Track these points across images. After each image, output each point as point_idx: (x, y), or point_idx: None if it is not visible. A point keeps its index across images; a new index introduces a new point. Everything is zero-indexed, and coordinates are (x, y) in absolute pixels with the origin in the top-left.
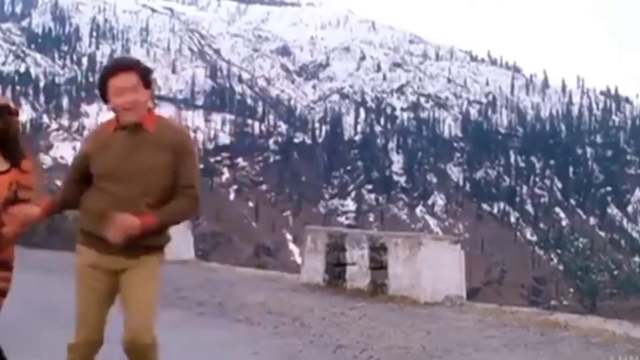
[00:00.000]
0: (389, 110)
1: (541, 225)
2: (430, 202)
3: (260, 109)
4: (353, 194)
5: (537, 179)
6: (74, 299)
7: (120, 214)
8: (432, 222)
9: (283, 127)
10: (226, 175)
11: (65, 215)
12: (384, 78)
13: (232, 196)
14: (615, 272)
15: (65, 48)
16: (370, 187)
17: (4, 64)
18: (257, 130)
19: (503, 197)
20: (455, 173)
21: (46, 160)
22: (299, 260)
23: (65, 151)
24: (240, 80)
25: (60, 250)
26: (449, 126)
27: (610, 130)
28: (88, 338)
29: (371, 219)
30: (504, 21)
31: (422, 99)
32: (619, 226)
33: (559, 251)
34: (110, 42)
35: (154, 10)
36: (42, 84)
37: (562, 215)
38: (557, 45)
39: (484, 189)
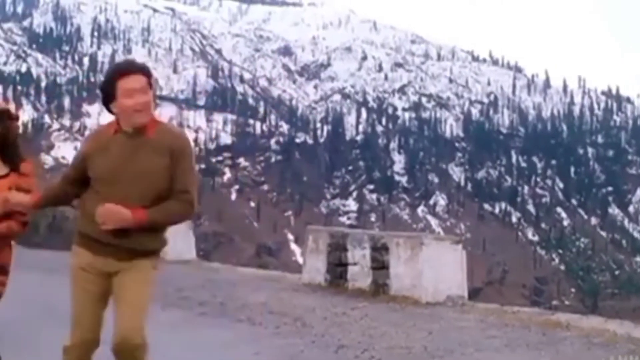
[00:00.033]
0: (390, 110)
1: (543, 225)
2: (431, 202)
3: (261, 109)
4: (355, 194)
5: (538, 179)
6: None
7: (112, 204)
8: (433, 222)
9: (285, 127)
10: (228, 175)
11: (66, 215)
12: (386, 78)
13: (233, 196)
14: (617, 272)
15: (66, 48)
16: (371, 187)
17: (5, 64)
18: (258, 130)
19: (504, 197)
20: (456, 173)
21: (47, 160)
22: (300, 260)
23: (66, 151)
24: (241, 80)
25: (62, 250)
26: (451, 126)
27: (611, 130)
28: (83, 339)
29: (373, 219)
30: (505, 21)
31: (424, 99)
32: (620, 226)
33: (560, 251)
34: (111, 42)
35: (155, 10)
36: (43, 84)
37: (563, 215)
38: (558, 46)
39: (485, 189)
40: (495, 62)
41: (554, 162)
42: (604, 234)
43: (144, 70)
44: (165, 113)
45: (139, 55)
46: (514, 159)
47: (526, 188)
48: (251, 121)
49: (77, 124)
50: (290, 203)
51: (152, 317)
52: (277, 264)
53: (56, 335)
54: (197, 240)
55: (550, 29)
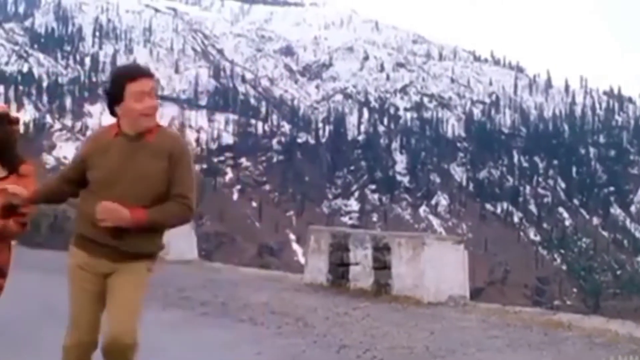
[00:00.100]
0: (392, 110)
1: (544, 225)
2: (433, 202)
3: (263, 109)
4: (356, 194)
5: (540, 179)
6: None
7: (110, 202)
8: (435, 222)
9: (286, 127)
10: (229, 175)
11: (68, 215)
12: (387, 78)
13: (235, 196)
14: (618, 272)
15: (68, 48)
16: (373, 187)
17: (7, 64)
18: (260, 130)
19: (506, 197)
20: (458, 173)
21: (49, 160)
22: (302, 260)
23: (68, 151)
24: (243, 80)
25: (63, 250)
26: (452, 126)
27: (613, 130)
28: (81, 341)
29: (374, 219)
30: (507, 21)
31: (426, 99)
32: (622, 226)
33: (562, 251)
34: (113, 42)
35: (157, 10)
36: (45, 84)
37: (565, 215)
38: (560, 46)
39: (487, 189)
40: (497, 62)
41: (555, 162)
42: (605, 234)
43: (151, 75)
44: (167, 113)
45: (140, 55)
46: (515, 159)
47: (528, 188)
48: (253, 121)
49: (78, 124)
50: (292, 203)
51: (153, 317)
52: (278, 264)
53: (56, 335)
54: (199, 240)
55: (552, 29)
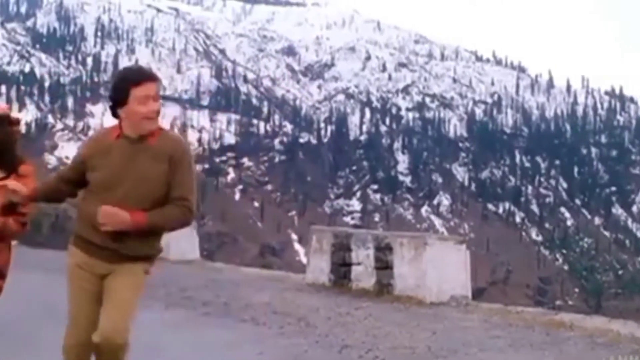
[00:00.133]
0: (394, 110)
1: (546, 225)
2: (435, 202)
3: (265, 109)
4: (358, 194)
5: (542, 179)
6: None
7: (111, 207)
8: (437, 222)
9: (288, 127)
10: (231, 175)
11: (69, 215)
12: (390, 78)
13: (237, 196)
14: (620, 272)
15: (70, 48)
16: (375, 187)
17: (8, 64)
18: (262, 130)
19: (508, 197)
20: (460, 173)
21: (51, 160)
22: (304, 260)
23: (70, 151)
24: (245, 80)
25: (64, 250)
26: (454, 126)
27: (615, 130)
28: (80, 338)
29: (376, 219)
30: (509, 21)
31: (428, 99)
32: (624, 226)
33: (564, 251)
34: (115, 42)
35: (159, 10)
36: (47, 84)
37: (567, 215)
38: (562, 46)
39: (489, 189)
40: (498, 62)
41: (557, 162)
42: (607, 234)
43: (155, 78)
44: (169, 113)
45: (142, 55)
46: (517, 159)
47: (530, 188)
48: (255, 121)
49: (80, 124)
50: (294, 203)
51: (155, 316)
52: (280, 264)
53: (57, 335)
54: (201, 240)
55: (553, 29)
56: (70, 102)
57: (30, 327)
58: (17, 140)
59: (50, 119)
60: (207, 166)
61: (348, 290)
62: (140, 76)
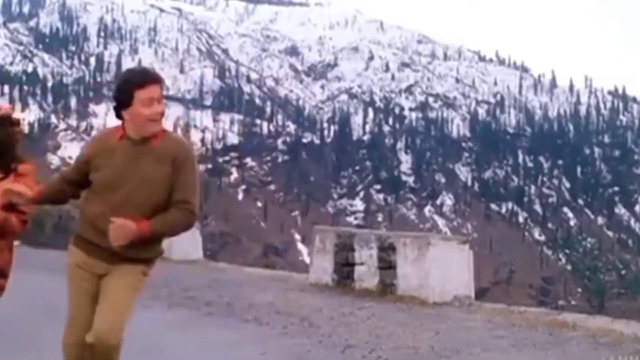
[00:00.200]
0: (397, 110)
1: (549, 225)
2: (438, 202)
3: (268, 109)
4: (361, 194)
5: (545, 179)
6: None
7: (120, 219)
8: (440, 222)
9: (291, 127)
10: (235, 175)
11: (72, 215)
12: (393, 78)
13: (240, 196)
14: (623, 272)
15: (73, 48)
16: (378, 187)
17: (11, 63)
18: (265, 130)
19: (511, 197)
20: (463, 173)
21: (54, 160)
22: (307, 260)
23: (73, 151)
24: (248, 80)
25: (67, 250)
26: (457, 126)
27: (617, 130)
28: (79, 338)
29: (380, 218)
30: (512, 21)
31: (431, 99)
32: (627, 226)
33: (567, 251)
34: (118, 42)
35: (162, 10)
36: (50, 84)
37: (570, 215)
38: (564, 45)
39: (492, 189)
40: (501, 62)
41: (560, 162)
42: (610, 233)
43: (159, 80)
44: (172, 113)
45: (145, 55)
46: (520, 159)
47: (533, 188)
48: (258, 121)
49: (83, 124)
50: (297, 203)
51: (158, 316)
52: (284, 264)
53: (58, 335)
54: (204, 240)
55: (556, 28)
56: (73, 102)
57: (31, 327)
58: (19, 140)
59: (53, 119)
60: (210, 166)
61: (351, 290)
62: (144, 78)
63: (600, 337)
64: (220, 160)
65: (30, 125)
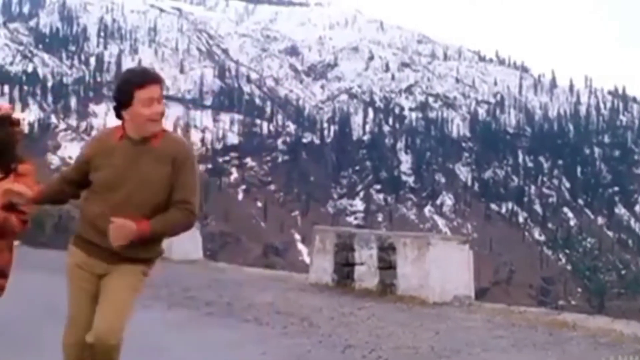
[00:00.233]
0: (397, 110)
1: (549, 225)
2: (438, 202)
3: (268, 109)
4: (361, 194)
5: (545, 179)
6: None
7: (120, 219)
8: (440, 222)
9: (291, 127)
10: (235, 175)
11: (72, 215)
12: (393, 78)
13: (240, 196)
14: (623, 272)
15: (73, 48)
16: (378, 187)
17: (11, 63)
18: (265, 130)
19: (511, 197)
20: (463, 173)
21: (54, 160)
22: (307, 260)
23: (73, 151)
24: (248, 80)
25: (67, 250)
26: (457, 126)
27: (617, 130)
28: (79, 338)
29: (380, 219)
30: (512, 21)
31: (431, 99)
32: (627, 226)
33: (567, 251)
34: (118, 42)
35: (162, 10)
36: (50, 84)
37: (570, 215)
38: (564, 45)
39: (492, 189)
40: (501, 62)
41: (560, 162)
42: (610, 233)
43: (159, 80)
44: (172, 113)
45: (145, 55)
46: (520, 159)
47: (533, 188)
48: (258, 121)
49: (83, 124)
50: (297, 203)
51: (158, 316)
52: (284, 264)
53: (58, 335)
54: (204, 240)
55: (556, 28)
56: (73, 102)
57: (31, 327)
58: (19, 140)
59: (53, 119)
60: (210, 166)
61: (351, 290)
62: (144, 78)
63: (600, 337)
64: (220, 160)
65: (30, 125)
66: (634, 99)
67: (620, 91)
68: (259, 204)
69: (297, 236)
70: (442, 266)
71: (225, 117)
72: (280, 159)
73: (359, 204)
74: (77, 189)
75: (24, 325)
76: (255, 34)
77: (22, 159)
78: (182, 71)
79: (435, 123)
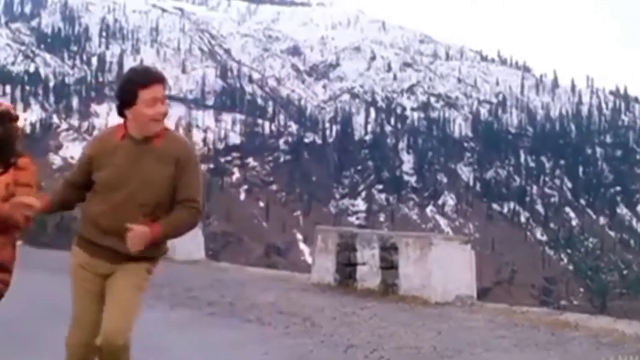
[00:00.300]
0: (399, 110)
1: (551, 225)
2: (440, 202)
3: (270, 109)
4: (363, 193)
5: (547, 179)
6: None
7: (137, 226)
8: (442, 222)
9: (293, 127)
10: (236, 175)
11: (74, 215)
12: (394, 78)
13: (242, 196)
14: (625, 272)
15: (74, 48)
16: (380, 187)
17: (13, 63)
18: (267, 130)
19: (513, 197)
20: (465, 173)
21: (56, 160)
22: (309, 260)
23: (75, 151)
24: (250, 80)
25: (69, 250)
26: (459, 126)
27: (619, 130)
28: (83, 338)
29: (382, 218)
30: (514, 21)
31: (433, 99)
32: (629, 226)
33: (569, 251)
34: (120, 42)
35: (164, 10)
36: (51, 84)
37: (572, 215)
38: (566, 45)
39: (494, 189)
40: (503, 62)
41: (562, 162)
42: (612, 233)
43: (163, 79)
44: (174, 113)
45: (147, 55)
46: (522, 159)
47: (535, 188)
48: (260, 121)
49: (85, 124)
50: (299, 203)
51: (161, 316)
52: (286, 264)
53: (60, 335)
54: (206, 240)
55: (558, 28)
56: (75, 102)
57: (33, 327)
58: (18, 136)
59: (55, 119)
60: (212, 166)
61: (353, 290)
62: (147, 78)
63: (603, 337)
64: (222, 160)
65: (32, 125)
66: (636, 99)
67: (622, 91)
68: (261, 204)
69: (299, 236)
70: (444, 266)
71: (227, 117)
72: (282, 159)
73: (361, 204)
74: (83, 191)
75: (25, 325)
76: (257, 34)
77: (22, 153)
78: (184, 71)
79: (437, 123)
